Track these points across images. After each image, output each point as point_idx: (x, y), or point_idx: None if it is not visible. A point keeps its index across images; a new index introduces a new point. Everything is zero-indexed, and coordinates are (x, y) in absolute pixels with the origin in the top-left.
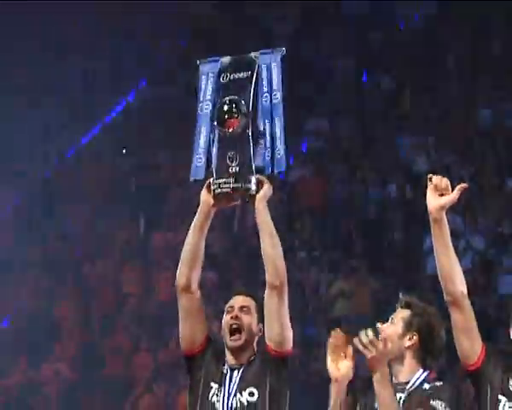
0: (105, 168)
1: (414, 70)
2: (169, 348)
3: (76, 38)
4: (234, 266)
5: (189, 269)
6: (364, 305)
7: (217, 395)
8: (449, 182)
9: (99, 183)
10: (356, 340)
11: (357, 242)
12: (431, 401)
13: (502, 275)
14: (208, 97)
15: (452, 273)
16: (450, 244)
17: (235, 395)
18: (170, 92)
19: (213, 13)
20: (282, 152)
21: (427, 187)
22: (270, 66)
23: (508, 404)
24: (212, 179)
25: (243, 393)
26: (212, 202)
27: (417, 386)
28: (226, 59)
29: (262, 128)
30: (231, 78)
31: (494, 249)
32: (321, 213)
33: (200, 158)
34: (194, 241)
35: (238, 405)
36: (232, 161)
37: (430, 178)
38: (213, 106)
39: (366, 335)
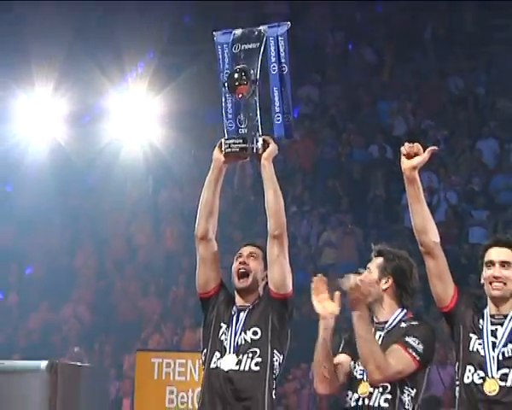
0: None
1: (394, 43)
2: (174, 292)
3: None
4: (233, 219)
5: (205, 220)
6: (349, 253)
7: (225, 334)
8: (420, 146)
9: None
10: (341, 282)
11: (343, 198)
12: (406, 338)
13: (472, 226)
14: (226, 66)
15: (425, 226)
16: (423, 200)
17: (240, 333)
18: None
19: None
20: (290, 118)
21: None
22: (277, 38)
23: (478, 341)
24: (223, 139)
25: (247, 332)
26: (223, 159)
27: (395, 325)
28: (238, 31)
29: (271, 95)
30: (242, 48)
31: (465, 203)
32: (311, 172)
33: (231, 123)
34: (209, 194)
35: (243, 342)
36: (241, 124)
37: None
38: (226, 75)
39: (349, 279)
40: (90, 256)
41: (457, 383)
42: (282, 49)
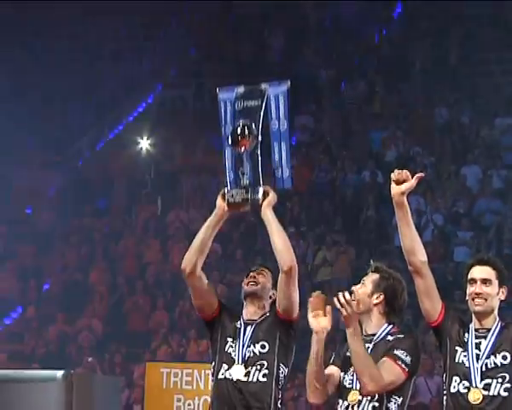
0: (128, 158)
1: (384, 76)
2: (181, 306)
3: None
4: (235, 238)
5: (196, 257)
6: (343, 271)
7: (232, 347)
8: (408, 173)
9: (124, 170)
10: (335, 300)
11: (337, 219)
12: (395, 351)
13: (457, 246)
14: (228, 121)
15: (413, 247)
16: (411, 223)
17: (249, 345)
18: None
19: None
20: (287, 172)
21: None
22: (278, 97)
23: (463, 353)
24: (226, 189)
25: (256, 345)
26: (225, 207)
27: (382, 338)
28: (240, 89)
29: (272, 150)
30: (244, 105)
31: (450, 225)
32: (307, 195)
33: (232, 174)
34: (205, 236)
35: (251, 354)
36: (243, 175)
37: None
38: (229, 130)
39: (343, 296)
40: (103, 273)
41: (444, 392)
42: (281, 107)
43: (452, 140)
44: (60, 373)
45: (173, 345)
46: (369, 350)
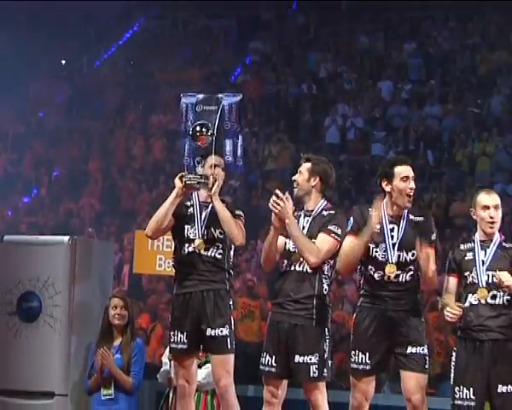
0: (119, 73)
1: (318, 12)
2: (160, 189)
3: None
4: None
5: (157, 227)
6: (285, 163)
7: (188, 230)
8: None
9: (115, 82)
10: (270, 205)
11: (281, 122)
12: (328, 226)
13: (373, 143)
14: (189, 120)
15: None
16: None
17: (208, 227)
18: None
19: None
20: (239, 160)
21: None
22: (231, 104)
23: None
24: (184, 173)
25: (216, 229)
26: (182, 187)
27: (319, 213)
28: (200, 96)
29: (223, 144)
30: (203, 108)
31: (369, 126)
32: (258, 103)
33: (187, 159)
34: (165, 211)
35: (211, 236)
36: (199, 164)
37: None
38: (190, 126)
39: (274, 198)
40: (99, 163)
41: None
42: (234, 113)
43: (370, 61)
44: (66, 239)
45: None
46: (309, 222)
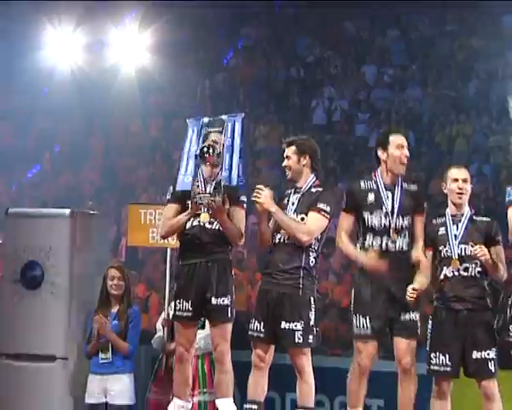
0: None
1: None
2: (156, 166)
3: None
4: None
5: (171, 234)
6: (275, 142)
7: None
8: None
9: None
10: (253, 198)
11: (271, 104)
12: (317, 204)
13: (357, 124)
14: (194, 142)
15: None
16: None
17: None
18: None
19: None
20: (236, 174)
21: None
22: (234, 122)
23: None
24: (195, 195)
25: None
26: (194, 208)
27: (308, 189)
28: (206, 119)
29: (222, 158)
30: (209, 130)
31: (353, 108)
32: (249, 86)
33: (188, 177)
34: (180, 225)
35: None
36: (208, 183)
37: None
38: (198, 148)
39: (256, 191)
40: (99, 140)
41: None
42: (236, 130)
43: (355, 46)
44: (67, 211)
45: (150, 193)
46: (298, 199)
